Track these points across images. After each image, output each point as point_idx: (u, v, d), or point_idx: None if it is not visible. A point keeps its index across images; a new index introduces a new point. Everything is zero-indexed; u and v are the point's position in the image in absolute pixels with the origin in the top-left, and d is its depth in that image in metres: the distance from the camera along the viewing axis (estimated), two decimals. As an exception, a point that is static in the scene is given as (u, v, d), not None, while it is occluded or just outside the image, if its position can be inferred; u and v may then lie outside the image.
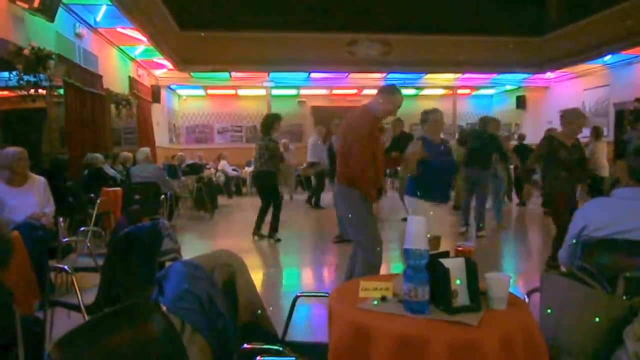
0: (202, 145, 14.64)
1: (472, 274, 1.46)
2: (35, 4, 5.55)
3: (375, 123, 3.38)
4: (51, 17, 6.00)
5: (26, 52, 5.50)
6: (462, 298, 1.44)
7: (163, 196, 6.73)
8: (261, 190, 6.56)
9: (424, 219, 1.41)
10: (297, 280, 5.02)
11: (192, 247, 6.03)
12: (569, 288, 1.81)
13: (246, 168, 13.05)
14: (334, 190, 3.57)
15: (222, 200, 10.36)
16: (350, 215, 3.32)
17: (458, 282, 1.44)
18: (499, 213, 7.26)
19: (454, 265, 1.45)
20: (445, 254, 1.55)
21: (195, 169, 9.95)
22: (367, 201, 3.26)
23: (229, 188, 11.59)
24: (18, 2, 5.49)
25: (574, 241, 2.34)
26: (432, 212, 3.71)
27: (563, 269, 2.46)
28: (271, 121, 6.37)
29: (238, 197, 12.02)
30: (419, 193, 3.78)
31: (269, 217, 6.47)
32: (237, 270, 1.94)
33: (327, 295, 1.92)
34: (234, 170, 12.52)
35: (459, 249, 1.58)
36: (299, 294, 2.05)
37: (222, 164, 12.27)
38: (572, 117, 4.50)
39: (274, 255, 5.98)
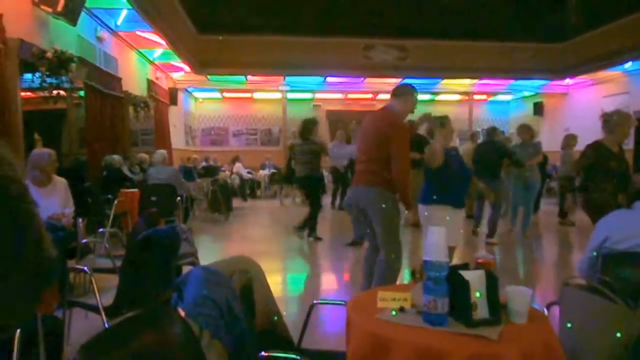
0: (217, 148, 14.76)
1: (492, 286, 1.45)
2: (59, 8, 5.67)
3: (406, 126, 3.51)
4: (73, 21, 6.12)
5: (49, 55, 5.61)
6: (482, 311, 1.43)
7: (179, 198, 6.80)
8: (308, 193, 6.82)
9: (444, 230, 1.41)
10: (312, 285, 5.01)
11: (207, 249, 6.08)
12: (590, 302, 1.78)
13: (261, 171, 13.12)
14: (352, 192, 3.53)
15: (236, 202, 10.42)
16: (384, 218, 3.33)
17: (478, 294, 1.43)
18: (524, 222, 6.98)
19: (474, 278, 1.44)
20: (465, 266, 1.54)
21: (210, 171, 10.04)
22: (399, 207, 3.35)
23: (243, 191, 11.66)
24: (42, 7, 5.61)
25: (595, 253, 2.31)
26: (448, 218, 3.59)
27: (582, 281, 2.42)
28: (311, 125, 6.58)
29: (253, 200, 12.08)
30: (434, 197, 3.61)
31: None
32: (255, 276, 1.95)
33: (343, 303, 1.92)
34: (248, 173, 12.59)
35: (479, 261, 1.57)
36: (315, 302, 2.05)
37: (237, 166, 12.35)
38: (621, 120, 3.98)
39: (289, 259, 5.99)
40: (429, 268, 1.39)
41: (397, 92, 3.50)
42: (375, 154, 3.33)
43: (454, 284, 1.42)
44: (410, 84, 3.66)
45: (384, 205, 3.29)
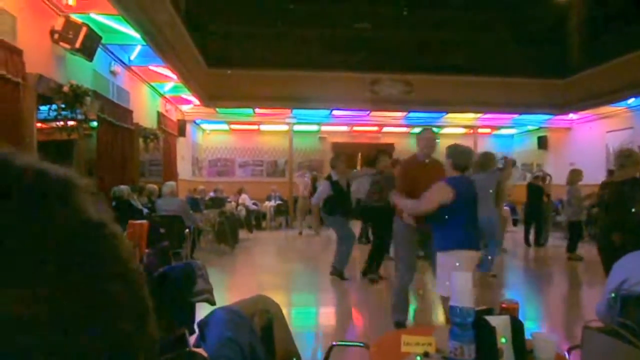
0: (224, 179, 14.84)
1: (518, 332, 1.45)
2: (77, 45, 5.85)
3: (408, 163, 4.11)
4: (90, 57, 6.30)
5: (65, 89, 5.76)
6: (507, 357, 1.43)
7: (187, 230, 6.81)
8: (375, 226, 6.55)
9: (469, 275, 1.42)
10: (324, 322, 4.94)
11: (214, 282, 6.00)
12: (612, 346, 1.77)
13: (266, 202, 13.14)
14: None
15: (242, 234, 10.40)
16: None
17: (503, 340, 1.43)
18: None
19: (500, 323, 1.44)
20: (490, 311, 1.55)
21: (217, 202, 10.07)
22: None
23: (249, 222, 11.65)
24: (61, 43, 5.80)
25: (613, 295, 2.29)
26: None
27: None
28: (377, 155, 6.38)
29: (258, 231, 12.05)
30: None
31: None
32: (275, 316, 1.94)
33: (363, 345, 1.91)
34: (254, 204, 12.60)
35: (503, 305, 1.57)
36: (334, 343, 2.03)
37: (243, 197, 12.38)
38: (638, 157, 4.07)
39: (299, 293, 5.92)
40: (455, 314, 1.40)
41: None
42: None
43: (480, 330, 1.42)
44: (425, 127, 4.38)
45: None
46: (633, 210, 3.94)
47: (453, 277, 1.43)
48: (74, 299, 0.32)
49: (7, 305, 0.29)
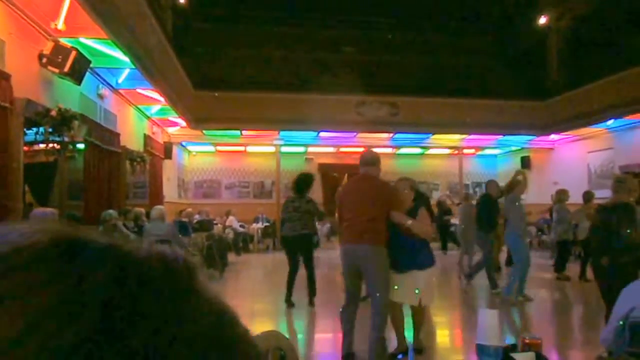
0: (210, 200, 14.67)
1: (544, 370, 1.43)
2: (66, 69, 5.78)
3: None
4: (79, 81, 6.23)
5: (53, 113, 5.67)
6: (535, 396, 1.41)
7: (176, 255, 6.65)
8: (296, 253, 6.12)
9: (497, 313, 1.40)
10: (321, 349, 4.86)
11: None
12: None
13: (254, 224, 13.02)
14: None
15: (230, 257, 10.24)
16: (384, 273, 3.88)
17: (529, 378, 1.41)
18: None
19: (525, 361, 1.42)
20: (514, 348, 1.53)
21: (205, 225, 9.92)
22: None
23: (237, 245, 11.50)
24: (50, 67, 5.72)
25: (621, 323, 2.30)
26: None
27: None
28: (311, 181, 6.23)
29: (245, 254, 11.89)
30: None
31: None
32: (287, 352, 1.89)
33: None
34: (241, 226, 12.47)
35: (527, 341, 1.55)
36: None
37: (230, 219, 12.24)
38: (634, 185, 4.24)
39: (292, 320, 5.81)
40: (482, 353, 1.38)
41: (374, 161, 4.07)
42: (379, 214, 3.73)
43: (507, 368, 1.40)
44: (375, 153, 4.36)
45: (384, 263, 3.75)
46: (620, 232, 4.03)
47: (480, 315, 1.41)
48: None
49: None
